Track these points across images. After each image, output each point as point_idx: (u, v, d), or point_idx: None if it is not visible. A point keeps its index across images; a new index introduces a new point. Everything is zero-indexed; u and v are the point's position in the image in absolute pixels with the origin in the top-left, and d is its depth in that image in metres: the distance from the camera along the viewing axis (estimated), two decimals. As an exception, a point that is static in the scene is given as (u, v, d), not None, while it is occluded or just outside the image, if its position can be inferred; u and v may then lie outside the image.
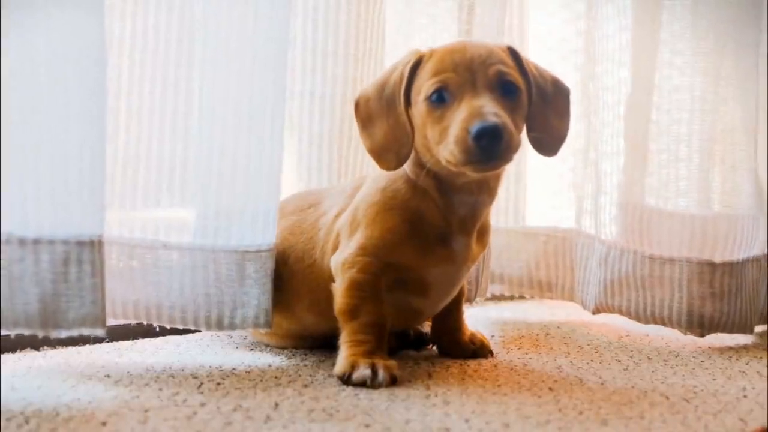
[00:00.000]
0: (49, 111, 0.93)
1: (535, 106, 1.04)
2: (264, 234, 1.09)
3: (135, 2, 1.08)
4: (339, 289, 1.05)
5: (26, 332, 0.93)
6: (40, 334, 0.93)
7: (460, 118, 0.95)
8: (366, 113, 1.06)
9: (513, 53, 1.05)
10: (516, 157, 0.98)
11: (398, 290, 1.06)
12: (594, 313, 1.41)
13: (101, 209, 0.97)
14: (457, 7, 1.43)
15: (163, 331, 1.20)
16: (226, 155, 1.08)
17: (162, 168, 1.09)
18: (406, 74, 1.03)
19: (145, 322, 1.10)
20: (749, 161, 1.39)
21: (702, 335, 1.33)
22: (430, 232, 1.05)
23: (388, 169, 1.05)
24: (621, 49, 1.38)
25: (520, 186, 1.55)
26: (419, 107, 1.01)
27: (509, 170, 1.50)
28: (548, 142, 1.07)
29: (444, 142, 0.97)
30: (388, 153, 1.04)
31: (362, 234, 1.05)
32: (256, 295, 1.09)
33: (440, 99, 0.99)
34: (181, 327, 1.10)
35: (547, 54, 1.54)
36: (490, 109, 0.95)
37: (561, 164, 1.54)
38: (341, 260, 1.05)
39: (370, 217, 1.05)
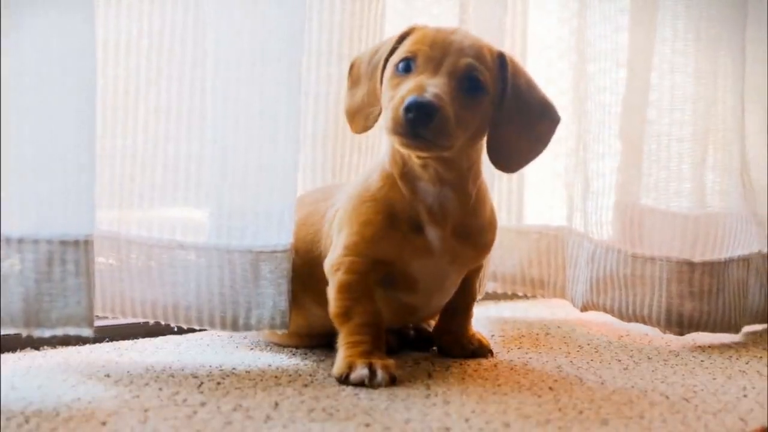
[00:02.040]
0: (35, 111, 0.92)
1: (506, 117, 1.03)
2: (279, 234, 1.08)
3: (151, 2, 1.08)
4: (331, 292, 1.05)
5: (10, 331, 0.93)
6: (24, 333, 0.93)
7: (405, 89, 0.97)
8: (356, 75, 1.10)
9: (501, 59, 1.04)
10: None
11: (388, 287, 1.07)
12: (582, 311, 1.41)
13: (90, 209, 0.96)
14: (458, 5, 1.43)
15: (163, 331, 1.20)
16: (239, 154, 1.07)
17: (178, 167, 1.09)
18: (393, 42, 1.05)
19: (162, 322, 1.10)
20: (737, 161, 1.39)
21: (681, 334, 1.32)
22: (403, 221, 1.04)
23: (355, 131, 1.10)
24: (615, 49, 1.38)
25: (513, 184, 1.54)
26: (387, 72, 1.03)
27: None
28: (506, 157, 1.06)
29: (387, 109, 0.99)
30: (359, 115, 1.08)
31: (345, 232, 1.05)
32: (272, 295, 1.08)
33: (406, 68, 1.01)
34: (197, 327, 1.10)
35: (546, 52, 1.54)
36: (432, 89, 0.95)
37: (555, 162, 1.54)
38: (330, 263, 1.05)
39: (349, 213, 1.06)
